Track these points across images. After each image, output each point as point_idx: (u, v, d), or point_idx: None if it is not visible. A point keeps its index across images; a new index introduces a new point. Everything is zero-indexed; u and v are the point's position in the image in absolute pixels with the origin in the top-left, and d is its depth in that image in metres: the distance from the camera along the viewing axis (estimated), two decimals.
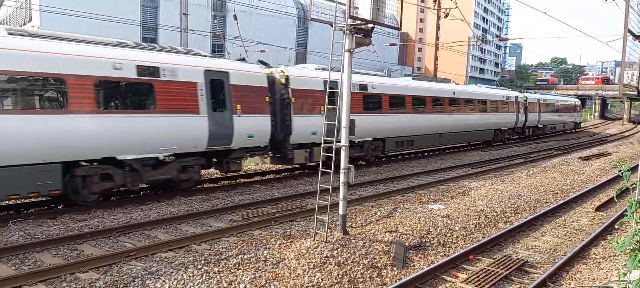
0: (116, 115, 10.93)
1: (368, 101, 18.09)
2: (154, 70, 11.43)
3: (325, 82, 15.41)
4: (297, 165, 17.05)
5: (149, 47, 12.45)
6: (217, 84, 12.91)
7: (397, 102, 19.84)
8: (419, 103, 21.51)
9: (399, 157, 22.83)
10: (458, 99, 24.77)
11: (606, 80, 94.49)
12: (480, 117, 27.08)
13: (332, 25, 8.57)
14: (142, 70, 11.22)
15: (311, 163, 16.57)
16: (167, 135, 11.69)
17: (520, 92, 38.77)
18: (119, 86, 11.10)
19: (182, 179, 12.70)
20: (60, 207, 11.20)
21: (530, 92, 40.75)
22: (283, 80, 15.07)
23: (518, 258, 8.43)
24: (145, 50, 12.07)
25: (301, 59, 63.47)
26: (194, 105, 12.22)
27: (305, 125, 15.31)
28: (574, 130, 47.75)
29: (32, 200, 11.21)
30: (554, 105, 41.61)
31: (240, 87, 13.42)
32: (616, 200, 7.24)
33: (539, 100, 36.81)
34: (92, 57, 10.49)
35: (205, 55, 13.77)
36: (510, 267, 7.93)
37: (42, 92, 10.10)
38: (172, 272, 6.99)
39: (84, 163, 10.78)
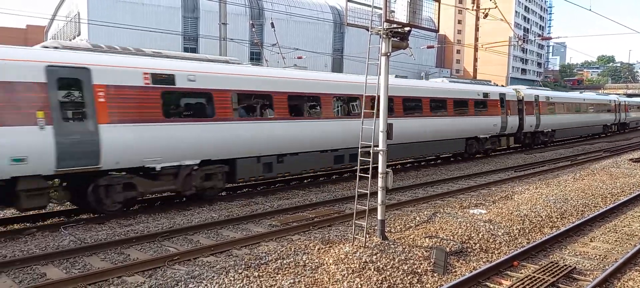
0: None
1: (180, 101, 12.12)
2: None
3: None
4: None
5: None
6: None
7: (261, 103, 13.83)
8: (301, 105, 15.01)
9: (439, 161, 22.43)
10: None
11: (580, 82, 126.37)
12: (433, 123, 19.49)
13: (368, 30, 8.56)
14: None
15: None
16: None
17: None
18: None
19: None
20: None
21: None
22: None
23: (565, 265, 8.12)
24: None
25: (338, 64, 63.68)
26: None
27: None
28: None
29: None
30: (566, 104, 32.50)
31: None
32: None
33: (536, 97, 28.10)
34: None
35: None
36: (557, 274, 7.64)
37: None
38: (213, 276, 7.14)
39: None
